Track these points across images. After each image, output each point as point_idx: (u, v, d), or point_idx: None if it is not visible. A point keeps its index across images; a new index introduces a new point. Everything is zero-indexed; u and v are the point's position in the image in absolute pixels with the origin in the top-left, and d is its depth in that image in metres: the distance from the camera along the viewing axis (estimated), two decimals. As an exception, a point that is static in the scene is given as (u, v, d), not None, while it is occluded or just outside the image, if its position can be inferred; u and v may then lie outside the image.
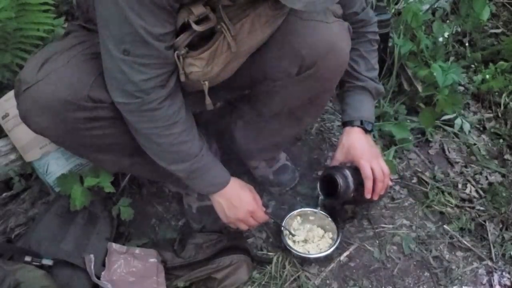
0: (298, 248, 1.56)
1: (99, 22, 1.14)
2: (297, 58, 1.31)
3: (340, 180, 1.45)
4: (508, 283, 1.53)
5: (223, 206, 1.41)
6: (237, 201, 1.41)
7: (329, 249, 1.55)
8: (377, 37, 1.56)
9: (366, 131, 1.53)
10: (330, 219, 1.61)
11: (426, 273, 1.56)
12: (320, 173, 1.82)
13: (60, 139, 1.30)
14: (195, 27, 1.13)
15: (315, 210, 1.63)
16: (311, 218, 1.64)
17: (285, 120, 1.50)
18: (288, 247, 1.55)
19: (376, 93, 1.56)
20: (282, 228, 1.57)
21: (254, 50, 1.30)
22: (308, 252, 1.56)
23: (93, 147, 1.32)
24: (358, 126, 1.51)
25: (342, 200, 1.48)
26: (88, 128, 1.24)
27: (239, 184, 1.44)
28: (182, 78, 1.21)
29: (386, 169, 1.48)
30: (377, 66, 1.57)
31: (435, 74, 1.83)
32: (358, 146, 1.50)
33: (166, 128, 1.24)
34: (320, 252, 1.55)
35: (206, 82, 1.25)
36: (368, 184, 1.45)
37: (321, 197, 1.54)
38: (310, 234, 1.61)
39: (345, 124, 1.54)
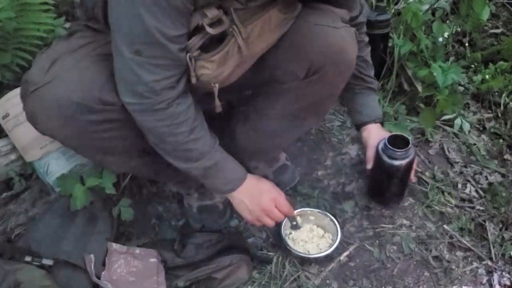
0: (298, 248, 1.56)
1: (111, 21, 1.13)
2: (305, 62, 1.32)
3: (410, 140, 1.55)
4: (508, 283, 1.53)
5: (245, 202, 1.40)
6: (257, 191, 1.41)
7: (329, 249, 1.55)
8: (367, 38, 1.65)
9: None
10: (330, 219, 1.61)
11: (426, 273, 1.56)
12: (320, 173, 1.82)
13: (68, 141, 1.29)
14: (209, 30, 1.13)
15: (315, 210, 1.64)
16: (311, 218, 1.64)
17: (288, 122, 1.50)
18: (288, 247, 1.55)
19: (378, 89, 1.69)
20: (283, 224, 1.57)
21: (263, 53, 1.30)
22: (308, 252, 1.56)
23: (102, 149, 1.31)
24: (376, 122, 1.66)
25: (406, 159, 1.54)
26: (97, 130, 1.23)
27: (256, 178, 1.44)
28: (193, 80, 1.21)
29: None
30: (371, 63, 1.68)
31: (435, 74, 1.83)
32: (386, 132, 1.63)
33: (176, 126, 1.23)
34: (320, 252, 1.55)
35: (217, 85, 1.25)
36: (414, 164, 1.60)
37: (384, 157, 1.55)
38: (310, 234, 1.61)
39: (365, 123, 1.66)
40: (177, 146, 1.27)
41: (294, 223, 1.57)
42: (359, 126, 1.69)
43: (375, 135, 1.64)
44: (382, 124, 1.69)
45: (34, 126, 1.25)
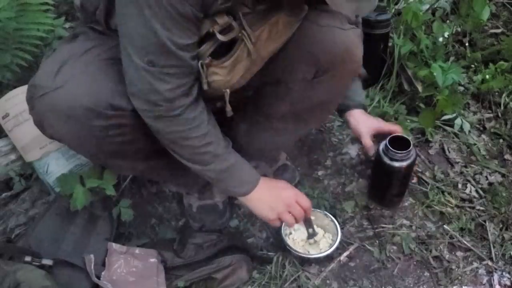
0: (298, 248, 1.56)
1: (121, 31, 1.12)
2: (313, 63, 1.33)
3: (411, 141, 1.55)
4: (508, 283, 1.53)
5: (265, 200, 1.39)
6: (276, 187, 1.41)
7: (329, 249, 1.55)
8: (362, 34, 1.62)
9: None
10: (330, 219, 1.61)
11: (426, 273, 1.56)
12: (320, 173, 1.82)
13: (77, 146, 1.30)
14: (220, 37, 1.14)
15: (315, 210, 1.63)
16: (311, 218, 1.63)
17: (291, 122, 1.50)
18: (288, 247, 1.54)
19: (364, 78, 1.68)
20: (283, 224, 1.56)
21: (271, 55, 1.30)
22: (308, 252, 1.56)
23: (111, 153, 1.31)
24: (359, 108, 1.64)
25: (407, 161, 1.53)
26: (107, 135, 1.23)
27: (269, 178, 1.43)
28: (205, 87, 1.21)
29: None
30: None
31: (435, 74, 1.83)
32: (375, 121, 1.64)
33: (190, 132, 1.23)
34: (320, 252, 1.55)
35: (228, 90, 1.25)
36: None
37: (385, 159, 1.55)
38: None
39: (348, 107, 1.64)
40: (192, 150, 1.27)
41: (311, 230, 1.55)
42: (342, 112, 1.66)
43: (363, 121, 1.63)
44: (365, 110, 1.68)
45: (41, 131, 1.25)
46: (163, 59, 1.11)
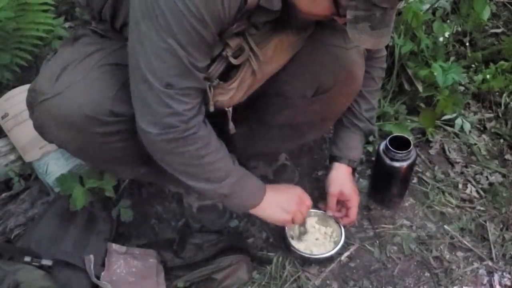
0: (304, 249, 1.55)
1: (136, 54, 1.10)
2: (314, 82, 1.33)
3: (411, 141, 1.54)
4: (508, 283, 1.53)
5: (277, 204, 1.39)
6: (283, 191, 1.43)
7: (333, 248, 1.54)
8: (382, 74, 1.56)
9: (353, 170, 1.59)
10: (333, 220, 1.60)
11: (427, 273, 1.56)
12: (320, 173, 1.82)
13: (78, 152, 1.30)
14: (233, 61, 1.14)
15: (318, 211, 1.62)
16: (315, 218, 1.62)
17: (288, 132, 1.50)
18: (292, 248, 1.54)
19: (369, 134, 1.61)
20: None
21: (274, 72, 1.30)
22: (311, 251, 1.55)
23: (111, 159, 1.31)
24: (346, 164, 1.56)
25: (407, 161, 1.53)
26: (108, 141, 1.23)
27: (270, 184, 1.43)
28: (212, 109, 1.21)
29: None
30: (377, 105, 1.60)
31: (435, 74, 1.83)
32: (349, 186, 1.55)
33: (204, 148, 1.22)
34: (326, 252, 1.54)
35: (230, 109, 1.26)
36: None
37: (385, 159, 1.54)
38: (313, 235, 1.59)
39: (334, 158, 1.58)
40: (206, 167, 1.26)
41: (302, 228, 1.58)
42: (330, 160, 1.60)
43: (338, 182, 1.55)
44: (354, 170, 1.61)
45: (41, 136, 1.25)
46: (182, 81, 1.10)
